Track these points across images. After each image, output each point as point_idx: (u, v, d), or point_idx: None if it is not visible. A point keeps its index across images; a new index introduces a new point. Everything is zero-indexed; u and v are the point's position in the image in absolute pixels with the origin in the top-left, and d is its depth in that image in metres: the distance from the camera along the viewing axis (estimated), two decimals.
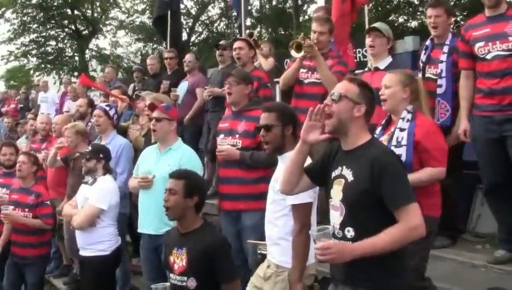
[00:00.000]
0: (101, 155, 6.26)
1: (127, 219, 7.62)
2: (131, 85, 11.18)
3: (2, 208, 7.01)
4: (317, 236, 3.18)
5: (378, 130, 4.64)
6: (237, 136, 5.69)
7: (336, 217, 3.39)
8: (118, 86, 9.70)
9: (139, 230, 5.89)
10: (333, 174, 3.48)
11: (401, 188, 3.24)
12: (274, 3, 30.33)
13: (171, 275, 4.41)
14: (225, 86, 5.91)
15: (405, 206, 3.19)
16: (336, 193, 3.41)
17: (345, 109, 3.38)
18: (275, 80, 8.60)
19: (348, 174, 3.35)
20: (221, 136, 5.84)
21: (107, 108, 7.32)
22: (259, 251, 4.87)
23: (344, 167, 3.40)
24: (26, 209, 7.07)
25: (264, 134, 4.38)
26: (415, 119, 4.45)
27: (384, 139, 4.45)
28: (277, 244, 4.33)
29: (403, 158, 4.25)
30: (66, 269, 8.66)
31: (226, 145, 5.71)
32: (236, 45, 7.47)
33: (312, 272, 4.21)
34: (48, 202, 7.30)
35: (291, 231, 4.19)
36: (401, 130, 4.41)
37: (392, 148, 4.27)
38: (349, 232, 3.30)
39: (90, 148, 6.28)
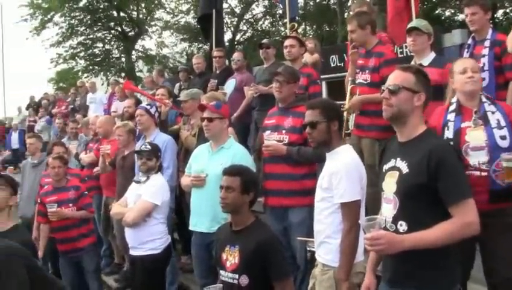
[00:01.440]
0: (159, 154, 6.37)
1: (176, 217, 7.74)
2: (177, 84, 11.26)
3: (48, 206, 7.18)
4: (367, 226, 3.15)
5: (452, 116, 4.44)
6: (284, 131, 5.69)
7: (389, 210, 3.35)
8: (161, 85, 9.79)
9: (191, 228, 5.91)
10: (385, 167, 3.45)
11: (458, 183, 3.18)
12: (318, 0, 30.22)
13: (223, 272, 4.41)
14: (274, 83, 5.90)
15: (461, 202, 3.14)
16: (389, 185, 3.37)
17: (404, 100, 3.34)
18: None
19: (403, 166, 3.29)
20: (268, 132, 5.84)
21: (148, 107, 7.43)
22: (308, 248, 4.85)
23: (398, 158, 3.35)
24: (70, 205, 7.24)
25: (309, 131, 4.37)
26: (494, 102, 4.37)
27: (471, 124, 4.30)
28: (324, 242, 4.32)
29: (508, 139, 4.16)
30: (117, 267, 8.80)
31: (272, 140, 5.71)
32: (287, 42, 7.46)
33: (360, 270, 4.17)
34: (86, 192, 7.52)
35: (339, 229, 4.18)
36: (492, 112, 4.29)
37: (495, 131, 4.18)
38: (402, 226, 3.26)
39: (148, 146, 6.31)
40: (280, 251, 4.38)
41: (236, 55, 9.56)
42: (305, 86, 6.80)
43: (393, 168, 3.36)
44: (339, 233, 4.17)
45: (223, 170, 4.62)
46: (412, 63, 6.27)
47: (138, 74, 31.46)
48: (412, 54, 6.60)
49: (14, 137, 21.47)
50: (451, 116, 4.39)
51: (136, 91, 9.88)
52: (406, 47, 9.11)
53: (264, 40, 9.20)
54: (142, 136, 7.47)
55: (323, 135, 4.31)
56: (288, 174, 5.59)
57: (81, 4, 31.81)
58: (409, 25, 6.18)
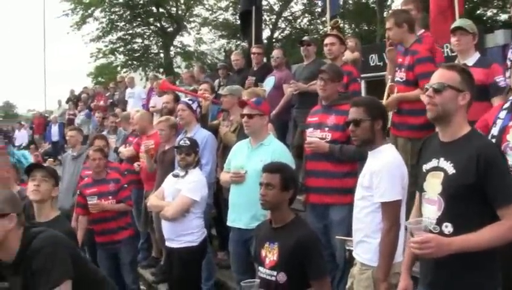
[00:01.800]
0: (197, 149, 6.40)
1: (214, 212, 7.76)
2: (216, 81, 11.29)
3: (88, 199, 7.26)
4: (414, 229, 3.11)
5: (503, 113, 4.40)
6: (326, 129, 5.70)
7: (432, 211, 3.29)
8: (205, 81, 9.82)
9: (229, 223, 5.95)
10: (426, 167, 3.39)
11: (507, 184, 3.11)
12: None
13: (261, 269, 4.41)
14: (318, 81, 5.89)
15: (511, 204, 3.07)
16: (433, 186, 3.31)
17: (449, 99, 3.27)
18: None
19: (448, 166, 3.23)
20: (310, 129, 5.86)
21: (190, 102, 7.47)
22: (347, 247, 4.83)
23: (442, 158, 3.28)
24: (110, 197, 7.33)
25: (353, 129, 4.34)
26: None
27: None
28: (363, 241, 4.30)
29: None
30: (154, 261, 8.86)
31: (315, 138, 5.71)
32: (327, 40, 7.45)
33: (398, 271, 4.08)
34: (126, 185, 7.58)
35: (378, 228, 4.16)
36: None
37: None
38: (447, 227, 3.20)
39: (187, 142, 6.34)
40: (319, 249, 4.36)
41: (276, 53, 9.57)
42: (345, 84, 6.78)
43: (437, 168, 3.31)
44: (378, 232, 4.15)
45: (263, 166, 4.62)
46: (456, 62, 6.22)
47: (176, 70, 31.58)
48: (453, 53, 6.53)
49: (54, 130, 21.79)
50: (502, 114, 4.35)
51: (174, 90, 9.94)
52: (447, 47, 9.02)
53: (305, 37, 9.18)
54: (182, 131, 7.50)
55: (366, 133, 4.28)
56: (330, 172, 5.61)
57: (121, 0, 32.09)
58: (454, 25, 6.12)
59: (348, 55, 8.55)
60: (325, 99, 5.88)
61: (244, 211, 5.71)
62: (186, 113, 7.27)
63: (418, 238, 3.08)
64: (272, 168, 4.52)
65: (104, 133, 11.31)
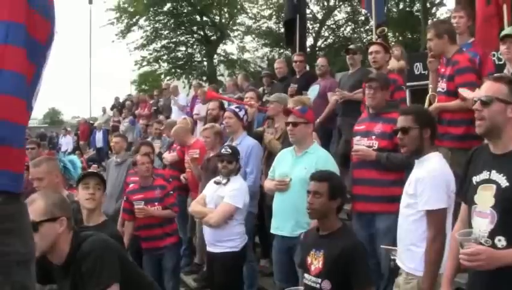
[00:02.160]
0: (238, 157, 6.41)
1: (257, 220, 7.75)
2: (260, 89, 11.31)
3: (135, 203, 7.22)
4: (464, 240, 3.06)
5: None
6: (373, 137, 5.67)
7: (484, 224, 3.21)
8: (251, 88, 9.85)
9: (272, 231, 5.93)
10: (476, 179, 3.32)
11: None
12: (401, 6, 29.83)
13: (307, 276, 4.39)
14: (367, 90, 5.87)
15: None
16: (484, 199, 3.24)
17: (497, 112, 3.20)
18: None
19: (501, 179, 3.16)
20: (357, 137, 5.83)
21: (237, 110, 7.46)
22: (392, 257, 4.78)
23: (494, 171, 3.21)
24: (156, 203, 7.26)
25: (401, 137, 4.29)
26: None
27: None
28: (408, 250, 4.23)
29: None
30: (196, 267, 8.88)
31: (362, 146, 5.68)
32: (372, 48, 7.40)
33: None
34: (172, 192, 7.53)
35: (423, 237, 4.09)
36: None
37: None
38: (501, 241, 3.12)
39: (228, 150, 6.37)
40: (364, 259, 4.33)
41: (320, 61, 9.56)
42: (391, 92, 6.74)
43: (488, 181, 3.23)
44: (424, 241, 4.08)
45: (310, 175, 4.61)
46: (505, 71, 6.12)
47: (219, 78, 31.82)
48: (501, 62, 6.42)
49: (99, 136, 22.05)
50: None
51: (219, 98, 9.99)
52: (494, 55, 8.88)
53: (351, 46, 9.14)
54: (229, 139, 7.51)
55: (414, 141, 4.23)
56: (377, 180, 5.57)
57: (165, 8, 32.50)
58: (504, 32, 6.02)
59: (393, 64, 8.48)
60: (373, 107, 5.85)
61: (287, 219, 5.68)
62: (233, 121, 7.28)
63: (468, 250, 3.03)
64: (320, 176, 4.52)
65: (149, 140, 11.40)
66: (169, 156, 9.34)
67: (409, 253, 4.22)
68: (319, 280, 4.26)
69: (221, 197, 6.20)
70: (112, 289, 3.34)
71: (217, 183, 6.38)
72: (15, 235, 2.34)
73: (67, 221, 3.44)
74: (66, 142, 26.10)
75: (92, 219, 4.95)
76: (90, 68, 31.89)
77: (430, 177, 4.05)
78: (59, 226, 3.39)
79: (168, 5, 32.32)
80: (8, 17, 2.26)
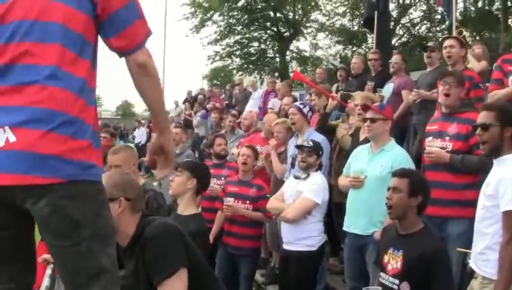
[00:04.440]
0: (320, 152, 6.33)
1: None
2: (335, 85, 11.26)
3: (224, 199, 7.09)
4: None
5: None
6: (447, 138, 5.49)
7: None
8: (324, 85, 9.83)
9: (345, 228, 5.87)
10: None
11: None
12: (480, 5, 29.10)
13: (383, 275, 4.35)
14: (442, 86, 5.69)
15: None
16: None
17: None
18: (487, 84, 8.20)
19: None
20: (430, 138, 5.65)
21: (301, 106, 7.41)
22: (468, 260, 4.68)
23: None
24: (247, 202, 7.04)
25: (480, 133, 4.17)
26: None
27: None
28: (483, 254, 4.11)
29: None
30: (264, 262, 8.89)
31: (435, 147, 5.54)
32: (447, 43, 7.20)
33: None
34: (268, 195, 7.08)
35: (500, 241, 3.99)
36: None
37: None
38: None
39: (310, 143, 6.33)
40: (446, 263, 4.25)
41: (394, 58, 9.41)
42: (467, 90, 6.57)
43: None
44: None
45: (393, 172, 4.55)
46: None
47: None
48: None
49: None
50: None
51: (304, 81, 9.95)
52: None
53: (430, 43, 8.97)
54: (295, 135, 7.50)
55: (494, 139, 4.09)
56: (450, 183, 5.40)
57: (239, 4, 32.66)
58: None
59: (473, 64, 8.22)
60: (447, 106, 5.65)
61: (361, 217, 5.63)
62: (297, 117, 7.25)
63: None
64: (401, 172, 4.49)
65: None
66: (236, 151, 9.38)
67: (485, 257, 4.09)
68: (397, 281, 4.21)
69: (300, 192, 6.13)
70: (179, 274, 3.29)
71: (297, 178, 6.33)
72: (106, 208, 2.60)
73: (128, 202, 3.43)
74: (140, 134, 26.54)
75: (181, 208, 5.03)
76: (163, 62, 32.16)
77: None
78: (117, 207, 3.37)
79: (243, 0, 32.46)
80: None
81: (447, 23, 10.40)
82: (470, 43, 9.28)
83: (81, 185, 2.43)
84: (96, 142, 2.54)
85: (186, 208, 4.98)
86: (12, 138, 2.32)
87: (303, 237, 6.08)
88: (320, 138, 7.10)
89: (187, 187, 4.99)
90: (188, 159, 5.38)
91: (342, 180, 6.07)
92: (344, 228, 5.90)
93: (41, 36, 2.41)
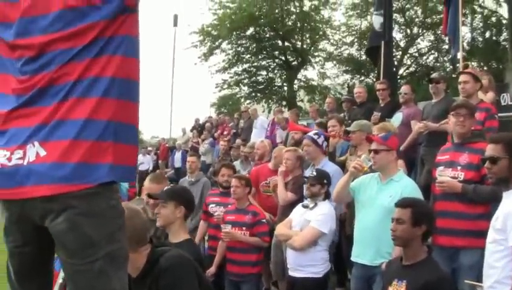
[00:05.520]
0: (325, 181, 6.37)
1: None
2: (341, 115, 11.26)
3: (222, 226, 7.20)
4: None
5: None
6: (459, 168, 5.51)
7: None
8: (334, 115, 9.82)
9: (353, 259, 5.85)
10: None
11: None
12: (487, 35, 29.20)
13: None
14: (455, 117, 5.72)
15: None
16: None
17: None
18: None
19: None
20: (441, 168, 5.65)
21: (315, 136, 7.41)
22: None
23: None
24: (244, 228, 7.14)
25: (489, 166, 4.18)
26: None
27: None
28: (493, 288, 4.06)
29: None
30: None
31: (446, 177, 5.52)
32: (461, 78, 7.27)
33: None
34: (264, 220, 7.34)
35: (511, 275, 3.94)
36: None
37: None
38: None
39: (314, 173, 6.38)
40: None
41: (404, 88, 9.44)
42: (482, 121, 6.56)
43: None
44: (511, 279, 3.94)
45: (395, 202, 4.53)
46: None
47: (299, 104, 31.88)
48: None
49: (177, 156, 22.37)
50: None
51: (301, 130, 9.99)
52: None
53: (434, 74, 8.99)
54: (310, 165, 7.47)
55: (503, 171, 4.10)
56: (462, 213, 5.39)
57: (248, 33, 32.83)
58: None
59: (481, 96, 8.22)
60: (460, 136, 5.70)
61: (369, 247, 5.60)
62: (311, 148, 7.27)
63: None
64: (403, 202, 4.49)
65: (237, 162, 11.36)
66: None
67: None
68: None
69: (308, 221, 6.20)
70: None
71: (305, 207, 6.40)
72: (123, 231, 2.59)
73: (132, 240, 3.44)
74: (147, 161, 26.60)
75: (172, 236, 4.99)
76: (172, 89, 32.35)
77: None
78: None
79: (251, 29, 32.63)
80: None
81: (452, 52, 10.41)
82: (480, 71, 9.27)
83: (98, 204, 2.45)
84: (119, 138, 2.53)
85: (176, 235, 4.91)
86: (43, 152, 2.40)
87: (308, 264, 6.15)
88: (333, 168, 7.14)
89: (176, 216, 4.91)
90: (168, 187, 5.26)
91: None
92: (352, 258, 5.88)
93: None
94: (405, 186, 5.56)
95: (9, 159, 2.44)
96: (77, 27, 2.46)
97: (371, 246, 5.56)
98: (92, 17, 2.46)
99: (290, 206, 7.08)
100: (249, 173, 9.48)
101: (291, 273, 6.36)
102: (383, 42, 11.93)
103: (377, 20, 12.45)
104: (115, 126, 2.50)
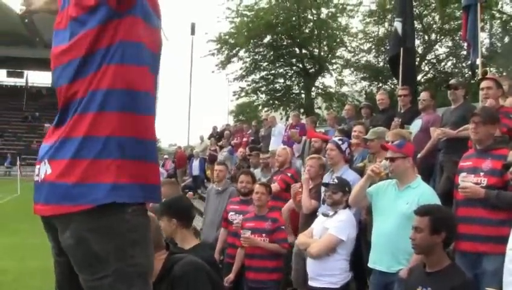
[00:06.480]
0: (346, 189, 6.35)
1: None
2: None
3: (242, 232, 7.22)
4: None
5: None
6: (482, 174, 5.46)
7: None
8: (359, 121, 9.80)
9: (370, 265, 5.83)
10: None
11: None
12: (506, 40, 29.03)
13: None
14: (470, 124, 5.72)
15: None
16: None
17: None
18: None
19: None
20: (464, 174, 5.62)
21: (340, 142, 7.40)
22: None
23: None
24: (263, 235, 7.15)
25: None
26: None
27: None
28: None
29: None
30: None
31: (469, 183, 5.49)
32: (483, 84, 7.21)
33: None
34: (283, 227, 7.35)
35: None
36: None
37: None
38: None
39: (335, 180, 6.36)
40: None
41: (423, 95, 9.36)
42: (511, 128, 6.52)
43: None
44: None
45: (414, 209, 4.50)
46: None
47: (317, 111, 31.87)
48: None
49: (195, 164, 22.47)
50: None
51: (321, 138, 9.96)
52: None
53: (452, 80, 8.92)
54: (330, 170, 7.47)
55: None
56: (485, 219, 5.34)
57: (265, 40, 32.93)
58: None
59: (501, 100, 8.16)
60: (478, 142, 5.68)
61: (386, 253, 5.59)
62: (334, 153, 7.26)
63: None
64: (421, 210, 4.47)
65: (257, 170, 11.30)
66: (272, 187, 9.31)
67: None
68: None
69: (327, 228, 6.19)
70: None
71: (325, 215, 6.39)
72: (139, 247, 2.46)
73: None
74: (165, 169, 26.71)
75: (182, 244, 4.98)
76: (189, 97, 32.69)
77: None
78: None
79: (268, 37, 32.73)
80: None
81: (471, 58, 10.33)
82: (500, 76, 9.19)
83: (105, 218, 2.37)
84: (126, 155, 2.41)
85: (185, 243, 4.91)
86: (49, 170, 2.41)
87: (326, 274, 6.13)
88: (353, 176, 7.10)
89: (172, 229, 4.94)
90: (163, 201, 5.17)
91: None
92: (369, 265, 5.86)
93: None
94: (422, 193, 5.55)
95: (37, 175, 2.49)
96: (76, 37, 2.42)
97: (388, 253, 5.55)
98: (87, 26, 2.40)
99: (311, 215, 7.09)
100: (270, 180, 9.49)
101: (310, 283, 6.34)
102: (402, 48, 11.83)
103: (399, 27, 12.36)
104: (118, 142, 2.38)
